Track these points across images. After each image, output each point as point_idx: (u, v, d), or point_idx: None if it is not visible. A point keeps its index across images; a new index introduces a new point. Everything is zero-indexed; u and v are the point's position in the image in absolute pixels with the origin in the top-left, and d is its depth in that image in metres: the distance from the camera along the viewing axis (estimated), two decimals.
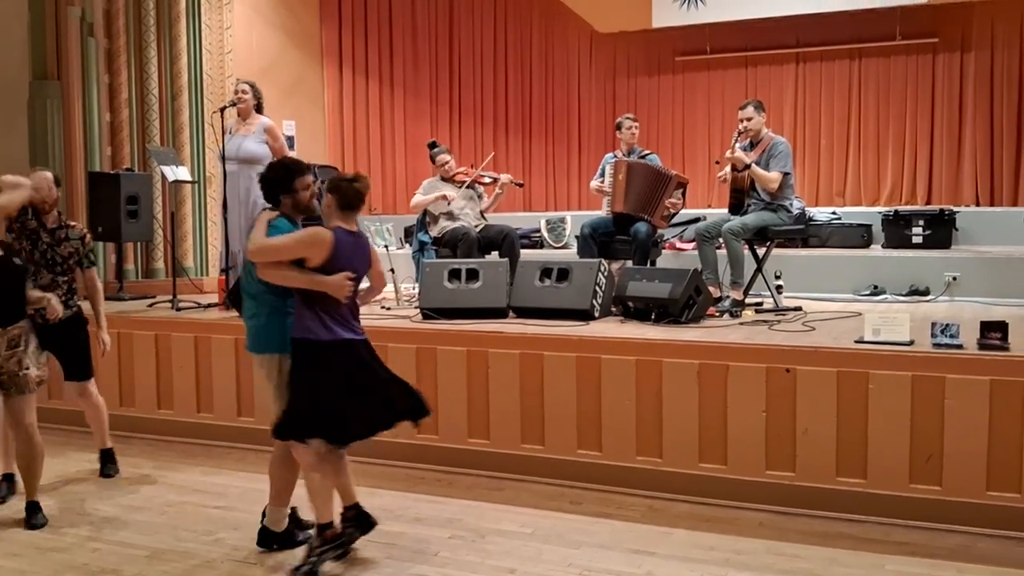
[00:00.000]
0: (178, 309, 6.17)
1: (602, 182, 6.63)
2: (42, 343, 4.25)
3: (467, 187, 6.79)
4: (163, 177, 7.00)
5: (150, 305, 6.49)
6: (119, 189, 6.82)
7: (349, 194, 3.64)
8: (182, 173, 6.87)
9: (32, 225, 4.58)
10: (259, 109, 6.34)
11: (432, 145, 7.11)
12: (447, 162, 6.87)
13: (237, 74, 7.84)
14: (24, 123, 7.42)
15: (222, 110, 6.22)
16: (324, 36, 9.53)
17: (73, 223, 4.80)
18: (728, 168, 6.08)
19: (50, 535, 4.08)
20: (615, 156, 6.65)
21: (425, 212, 6.86)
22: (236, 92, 6.29)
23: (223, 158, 6.07)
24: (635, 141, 6.72)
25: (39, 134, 7.38)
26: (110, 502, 4.32)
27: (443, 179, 6.86)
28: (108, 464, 5.01)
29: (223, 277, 6.15)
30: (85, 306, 4.80)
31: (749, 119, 6.02)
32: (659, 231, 6.49)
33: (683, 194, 6.39)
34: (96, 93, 7.47)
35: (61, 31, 7.40)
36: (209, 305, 6.27)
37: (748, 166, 5.90)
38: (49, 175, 4.63)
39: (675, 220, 7.44)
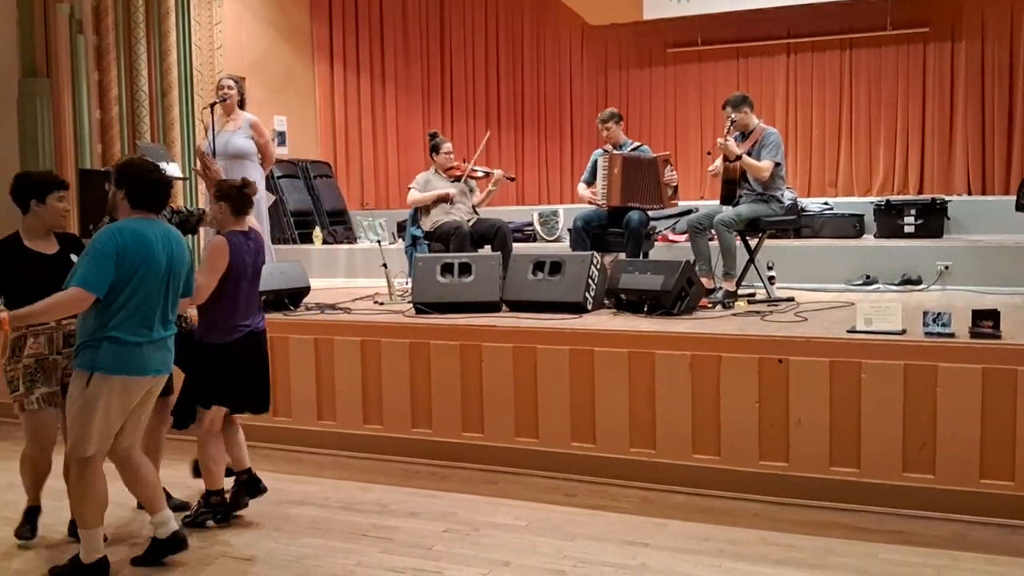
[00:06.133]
0: None
1: (593, 190, 6.55)
2: None
3: (460, 181, 6.77)
4: None
5: None
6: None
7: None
8: (173, 169, 6.82)
9: None
10: (242, 105, 6.36)
11: (433, 136, 7.02)
12: (451, 151, 6.83)
13: (227, 70, 7.81)
14: (13, 121, 7.38)
15: (212, 106, 6.23)
16: (314, 31, 9.50)
17: None
18: (719, 161, 6.09)
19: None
20: (605, 151, 6.59)
21: (417, 207, 6.84)
22: (222, 88, 6.32)
23: (213, 154, 6.07)
24: (618, 138, 6.59)
25: (29, 132, 7.33)
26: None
27: (436, 172, 6.83)
28: None
29: None
30: None
31: (733, 116, 6.02)
32: (651, 223, 6.49)
33: (672, 168, 6.39)
34: (86, 90, 7.42)
35: (50, 28, 7.35)
36: None
37: (739, 157, 5.91)
38: None
39: (667, 213, 7.46)
